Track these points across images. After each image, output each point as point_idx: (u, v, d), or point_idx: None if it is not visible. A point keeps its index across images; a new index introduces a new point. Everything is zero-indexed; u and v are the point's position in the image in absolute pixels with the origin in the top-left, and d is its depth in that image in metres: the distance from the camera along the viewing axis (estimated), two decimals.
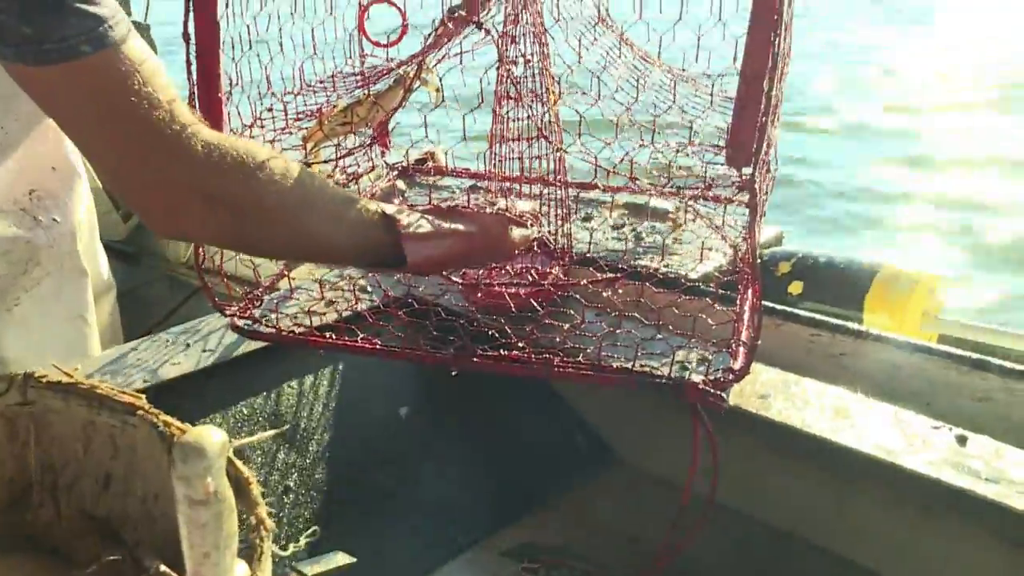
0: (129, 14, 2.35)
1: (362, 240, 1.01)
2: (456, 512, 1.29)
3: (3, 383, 0.86)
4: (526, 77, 1.32)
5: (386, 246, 1.02)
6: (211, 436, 0.58)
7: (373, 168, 1.62)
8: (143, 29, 2.35)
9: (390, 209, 1.05)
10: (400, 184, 1.67)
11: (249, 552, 0.66)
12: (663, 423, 1.33)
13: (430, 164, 1.72)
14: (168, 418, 0.81)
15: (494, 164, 1.40)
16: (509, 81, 1.32)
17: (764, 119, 1.04)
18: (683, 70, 1.44)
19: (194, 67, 1.21)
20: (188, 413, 1.23)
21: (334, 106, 1.39)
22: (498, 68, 1.32)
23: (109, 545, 0.83)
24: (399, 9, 1.56)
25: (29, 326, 1.46)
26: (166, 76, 0.88)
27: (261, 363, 1.33)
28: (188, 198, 0.88)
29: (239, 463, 0.73)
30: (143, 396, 0.86)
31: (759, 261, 1.29)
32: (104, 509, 0.86)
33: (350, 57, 1.59)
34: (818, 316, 1.26)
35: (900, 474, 1.02)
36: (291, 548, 0.68)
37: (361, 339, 1.23)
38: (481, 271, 1.38)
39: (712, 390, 1.08)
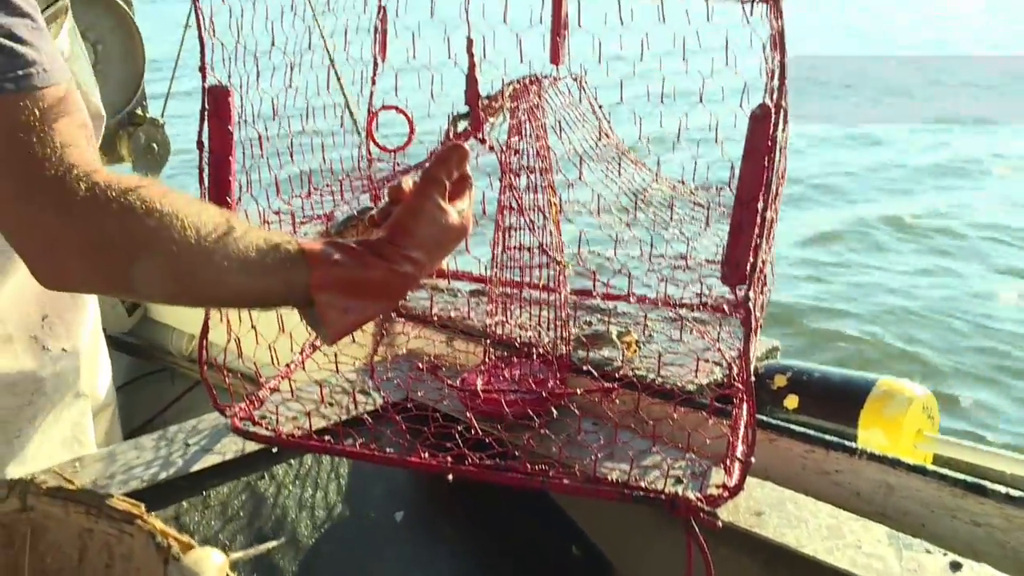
0: (146, 111, 2.43)
1: (268, 286, 0.92)
2: None
3: (3, 489, 0.87)
4: (528, 189, 1.36)
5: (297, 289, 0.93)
6: (210, 559, 0.59)
7: None
8: (157, 126, 2.42)
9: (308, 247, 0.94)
10: None
11: None
12: (660, 536, 1.32)
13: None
14: (166, 528, 0.81)
15: (496, 272, 1.43)
16: (512, 192, 1.36)
17: (759, 240, 1.07)
18: (681, 182, 1.49)
19: (206, 173, 1.25)
20: (187, 515, 1.25)
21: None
22: (501, 179, 1.36)
23: None
24: (407, 116, 1.61)
25: (27, 453, 1.45)
26: (82, 127, 0.86)
27: (260, 464, 1.34)
28: (63, 246, 0.83)
29: None
30: (142, 504, 0.87)
31: (754, 375, 1.31)
32: None
33: (358, 161, 1.63)
34: (812, 432, 1.27)
35: None
36: None
37: (360, 444, 1.25)
38: (480, 376, 1.40)
39: (706, 507, 1.09)
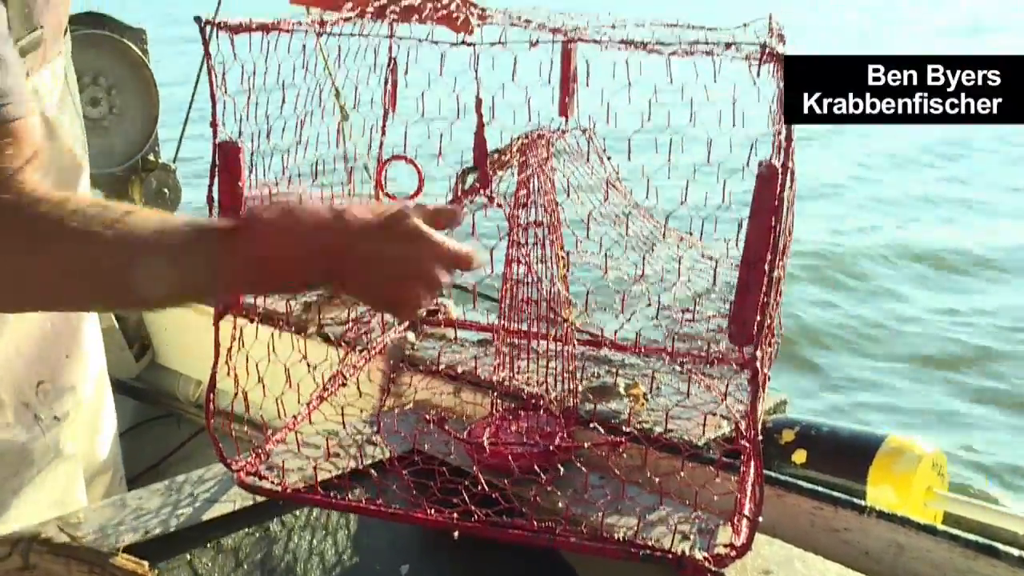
0: (159, 157, 2.45)
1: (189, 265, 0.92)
2: None
3: (5, 547, 0.87)
4: (535, 244, 1.36)
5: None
6: None
7: (384, 320, 1.66)
8: (168, 171, 2.45)
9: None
10: (410, 336, 1.70)
11: None
12: None
13: (440, 316, 1.75)
14: None
15: (504, 323, 1.44)
16: (519, 246, 1.36)
17: (766, 299, 1.07)
18: (689, 234, 1.49)
19: None
20: (193, 567, 1.24)
21: None
22: (509, 233, 1.37)
23: None
24: (416, 166, 1.63)
25: (9, 517, 1.42)
26: (38, 160, 0.89)
27: (266, 516, 1.33)
28: None
29: None
30: (146, 563, 0.87)
31: (762, 429, 1.31)
32: None
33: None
34: (820, 489, 1.26)
35: None
36: None
37: (366, 499, 1.25)
38: (487, 429, 1.39)
39: (713, 567, 1.08)
